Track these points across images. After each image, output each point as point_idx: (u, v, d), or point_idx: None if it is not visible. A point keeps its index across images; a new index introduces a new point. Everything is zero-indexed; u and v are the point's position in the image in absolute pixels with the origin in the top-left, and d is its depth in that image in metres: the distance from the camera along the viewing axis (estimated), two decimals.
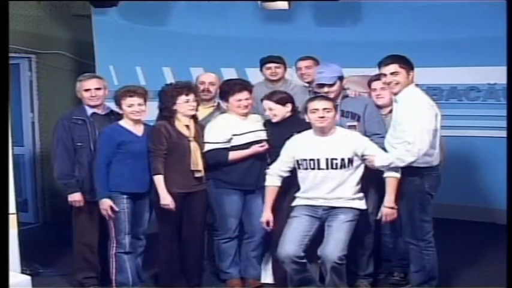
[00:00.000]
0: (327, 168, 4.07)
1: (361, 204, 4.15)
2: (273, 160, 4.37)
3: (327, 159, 4.07)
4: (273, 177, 4.26)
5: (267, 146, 4.43)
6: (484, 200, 6.38)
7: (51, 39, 6.76)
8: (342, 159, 4.06)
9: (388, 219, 4.12)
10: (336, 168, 4.06)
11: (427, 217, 4.16)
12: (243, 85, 4.54)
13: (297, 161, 4.16)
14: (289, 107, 4.43)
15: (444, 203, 5.30)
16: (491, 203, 6.28)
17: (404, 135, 3.99)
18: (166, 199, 4.28)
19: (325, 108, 4.07)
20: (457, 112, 6.29)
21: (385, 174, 4.09)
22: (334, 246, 3.97)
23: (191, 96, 4.37)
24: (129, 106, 4.29)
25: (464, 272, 4.87)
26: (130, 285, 4.33)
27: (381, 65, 4.17)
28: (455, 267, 4.88)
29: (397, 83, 4.13)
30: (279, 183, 4.26)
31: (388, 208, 4.07)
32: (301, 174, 4.19)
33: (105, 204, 4.24)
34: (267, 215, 4.25)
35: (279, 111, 4.41)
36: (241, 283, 4.64)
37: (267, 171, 4.31)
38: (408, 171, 4.06)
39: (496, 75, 6.05)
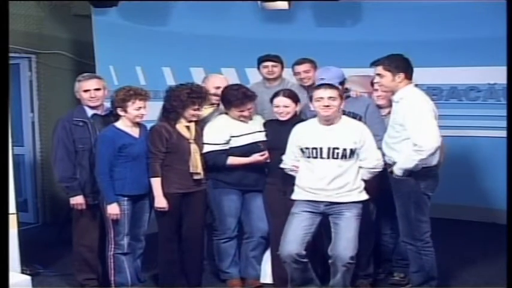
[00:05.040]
0: (328, 158, 4.01)
1: (362, 196, 4.09)
2: (272, 162, 4.38)
3: (328, 148, 4.01)
4: (287, 166, 4.24)
5: (267, 155, 4.41)
6: (484, 200, 6.38)
7: (51, 39, 6.76)
8: (344, 149, 4.00)
9: None
10: (337, 158, 4.01)
11: (424, 217, 4.13)
12: (247, 98, 4.43)
13: (301, 149, 4.11)
14: (299, 105, 4.43)
15: (444, 203, 5.30)
16: (491, 203, 6.28)
17: (409, 135, 3.96)
18: (161, 202, 4.27)
19: (330, 97, 4.01)
20: (457, 112, 6.31)
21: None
22: (345, 245, 3.96)
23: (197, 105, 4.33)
24: (137, 109, 4.26)
25: (464, 272, 4.86)
26: (129, 286, 4.33)
27: (372, 66, 4.18)
28: (455, 267, 4.88)
29: (381, 85, 4.13)
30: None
31: None
32: (303, 162, 4.13)
33: (114, 209, 4.21)
34: None
35: (292, 109, 4.39)
36: (241, 283, 4.64)
37: (281, 165, 4.27)
38: None
39: (496, 75, 6.05)
